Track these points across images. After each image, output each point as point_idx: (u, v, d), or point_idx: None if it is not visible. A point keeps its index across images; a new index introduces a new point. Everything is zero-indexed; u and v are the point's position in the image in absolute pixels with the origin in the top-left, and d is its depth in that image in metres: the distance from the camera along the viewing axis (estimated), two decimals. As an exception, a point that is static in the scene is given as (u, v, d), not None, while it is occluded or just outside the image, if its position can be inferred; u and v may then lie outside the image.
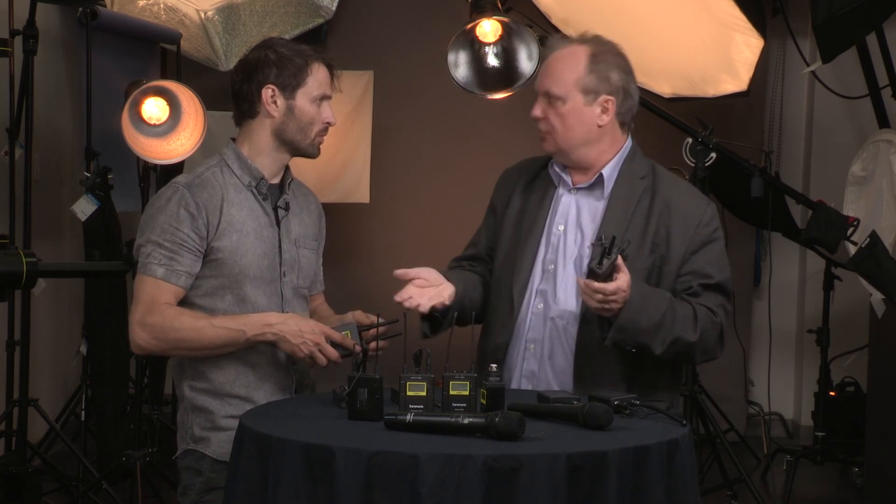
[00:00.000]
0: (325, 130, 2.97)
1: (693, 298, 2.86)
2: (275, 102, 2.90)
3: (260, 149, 2.94)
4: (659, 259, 2.89)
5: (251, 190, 2.91)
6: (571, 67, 2.94)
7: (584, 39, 3.00)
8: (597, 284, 2.68)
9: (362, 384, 2.44)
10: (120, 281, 4.55)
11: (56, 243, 5.39)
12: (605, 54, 2.96)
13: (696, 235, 2.91)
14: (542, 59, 4.32)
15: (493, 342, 2.96)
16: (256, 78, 2.90)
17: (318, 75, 2.92)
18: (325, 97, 2.94)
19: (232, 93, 2.96)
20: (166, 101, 4.43)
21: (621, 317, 2.72)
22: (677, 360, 2.88)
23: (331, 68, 2.96)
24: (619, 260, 2.69)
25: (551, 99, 2.94)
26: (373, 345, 2.75)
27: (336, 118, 2.99)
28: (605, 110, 2.95)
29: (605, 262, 2.67)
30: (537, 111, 2.97)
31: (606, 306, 2.71)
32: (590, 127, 2.95)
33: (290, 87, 2.90)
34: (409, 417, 2.31)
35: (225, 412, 2.85)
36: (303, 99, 2.91)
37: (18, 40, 4.28)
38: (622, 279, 2.68)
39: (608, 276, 2.68)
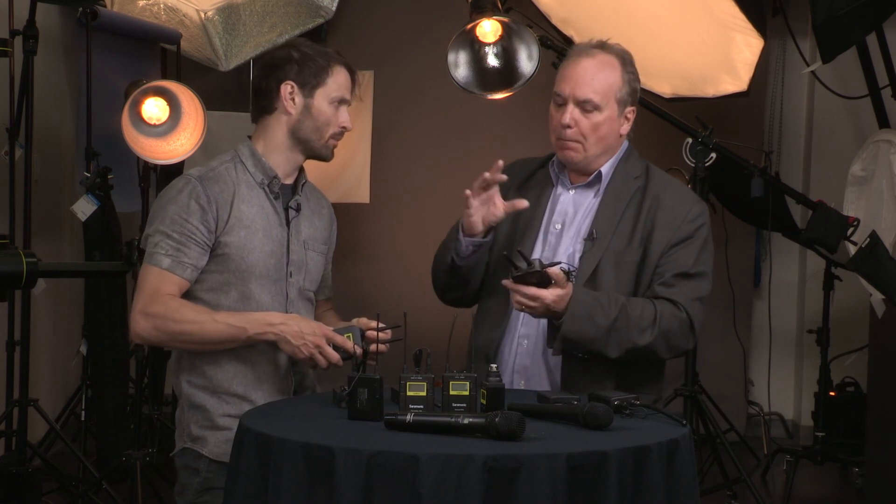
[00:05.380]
0: (340, 134, 2.97)
1: (664, 289, 2.88)
2: (293, 99, 2.90)
3: (275, 146, 2.93)
4: (644, 253, 2.92)
5: (263, 188, 2.91)
6: (610, 77, 2.94)
7: (608, 48, 2.98)
8: (515, 285, 2.75)
9: (362, 384, 2.44)
10: (120, 281, 4.54)
11: (56, 243, 5.39)
12: (630, 65, 2.98)
13: (678, 231, 2.92)
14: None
15: (487, 337, 2.97)
16: (277, 74, 2.90)
17: (338, 78, 2.92)
18: (343, 101, 2.94)
19: (251, 88, 2.97)
20: (166, 101, 4.43)
21: (563, 328, 2.78)
22: (641, 359, 2.89)
23: (352, 73, 2.96)
24: (557, 275, 2.74)
25: (586, 107, 2.92)
26: (373, 346, 2.75)
27: (353, 123, 2.99)
28: (627, 120, 2.99)
29: (521, 268, 2.74)
30: (568, 119, 2.93)
31: (525, 310, 2.79)
32: (616, 136, 2.98)
33: (309, 86, 2.90)
34: (409, 417, 2.31)
35: (222, 410, 2.84)
36: (321, 99, 2.91)
37: (18, 40, 4.28)
38: (549, 291, 2.73)
39: (539, 283, 2.73)
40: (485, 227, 2.91)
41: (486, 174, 2.84)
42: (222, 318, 2.79)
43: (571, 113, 2.93)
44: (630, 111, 2.98)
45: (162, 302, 2.78)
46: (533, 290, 2.75)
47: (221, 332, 2.78)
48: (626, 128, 2.99)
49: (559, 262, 2.83)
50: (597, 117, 2.93)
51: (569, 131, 2.93)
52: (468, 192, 2.89)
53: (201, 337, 2.79)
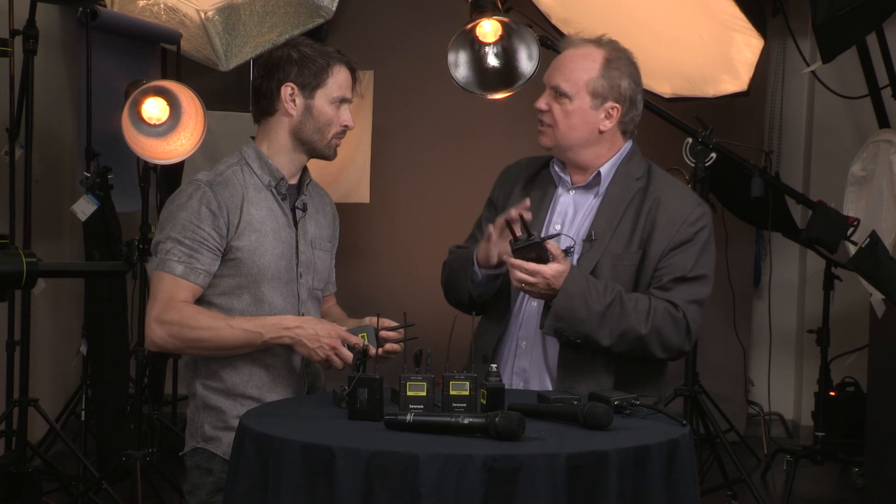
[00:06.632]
0: (342, 133, 2.96)
1: (661, 292, 2.88)
2: (293, 101, 2.89)
3: (278, 147, 2.93)
4: (643, 255, 2.91)
5: (271, 190, 2.91)
6: (585, 68, 2.96)
7: (600, 43, 3.01)
8: (515, 261, 2.76)
9: (362, 384, 2.44)
10: (120, 281, 4.55)
11: (56, 243, 5.39)
12: (620, 61, 2.98)
13: (678, 234, 2.92)
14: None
15: (487, 338, 2.98)
16: (277, 75, 2.89)
17: (338, 77, 2.92)
18: (344, 100, 2.93)
19: (252, 89, 2.97)
20: (166, 101, 4.43)
21: (555, 304, 2.78)
22: (635, 354, 2.88)
23: (353, 72, 2.95)
24: (556, 250, 2.76)
25: (559, 94, 2.96)
26: (388, 346, 2.78)
27: (354, 122, 2.99)
28: (608, 116, 2.97)
29: (521, 239, 2.74)
30: (542, 103, 2.99)
31: (525, 287, 2.79)
32: (591, 130, 2.97)
33: (309, 87, 2.89)
34: (409, 417, 2.31)
35: (237, 412, 2.83)
36: (321, 100, 2.90)
37: (18, 40, 4.28)
38: (548, 266, 2.75)
39: (539, 259, 2.75)
40: (499, 259, 2.91)
41: (512, 211, 2.84)
42: (238, 323, 2.79)
43: (547, 98, 2.99)
44: (612, 107, 2.97)
45: (177, 309, 2.78)
46: (533, 266, 2.75)
47: (237, 337, 2.78)
48: (606, 124, 2.97)
49: (558, 234, 2.85)
50: (567, 105, 2.95)
51: (542, 116, 2.99)
52: (491, 227, 2.90)
53: (217, 343, 2.79)
